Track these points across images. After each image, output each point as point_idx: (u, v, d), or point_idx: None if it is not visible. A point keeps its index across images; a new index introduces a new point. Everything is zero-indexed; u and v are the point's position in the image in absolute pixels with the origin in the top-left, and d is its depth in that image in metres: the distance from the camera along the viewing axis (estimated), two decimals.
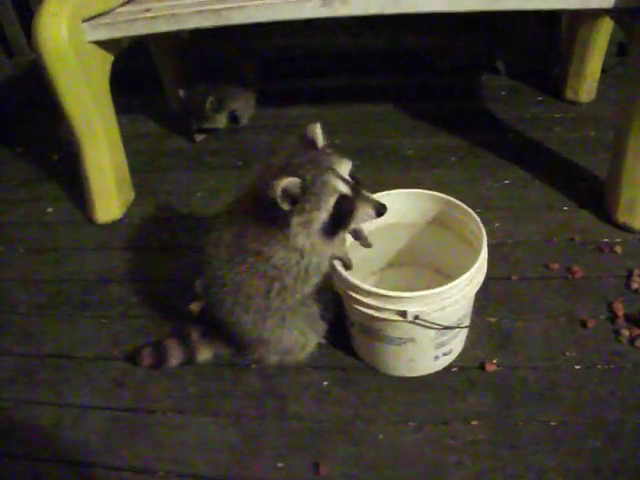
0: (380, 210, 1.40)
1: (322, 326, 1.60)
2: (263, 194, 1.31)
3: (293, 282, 1.44)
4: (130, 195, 2.35)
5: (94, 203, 2.25)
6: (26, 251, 2.21)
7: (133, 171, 2.38)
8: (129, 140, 2.40)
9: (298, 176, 1.31)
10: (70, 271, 2.08)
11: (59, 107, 2.04)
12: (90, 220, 2.28)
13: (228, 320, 1.53)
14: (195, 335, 1.67)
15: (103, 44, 2.04)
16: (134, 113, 2.85)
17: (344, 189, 1.35)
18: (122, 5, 2.11)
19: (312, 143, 1.40)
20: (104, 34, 2.00)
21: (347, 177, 1.37)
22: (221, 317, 1.54)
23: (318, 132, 1.41)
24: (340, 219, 1.37)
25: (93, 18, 1.99)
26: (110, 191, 2.24)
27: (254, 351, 1.61)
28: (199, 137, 2.68)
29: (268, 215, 1.36)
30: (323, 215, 1.35)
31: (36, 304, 1.97)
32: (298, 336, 1.56)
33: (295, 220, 1.34)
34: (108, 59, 2.11)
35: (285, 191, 1.29)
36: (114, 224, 2.26)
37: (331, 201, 1.34)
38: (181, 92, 2.57)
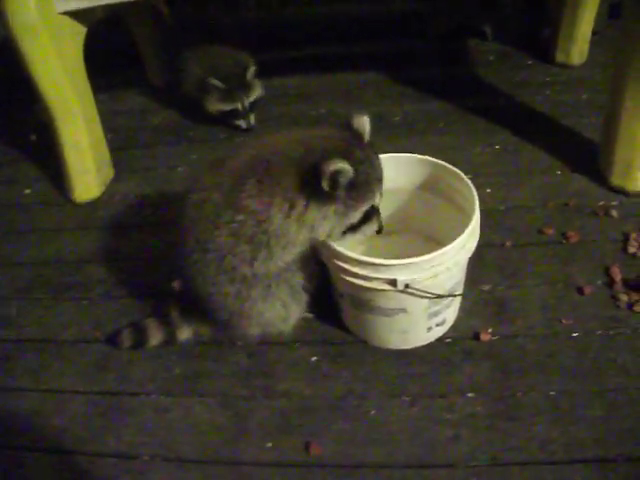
0: (380, 230, 1.47)
1: (303, 297, 1.56)
2: (309, 161, 1.30)
3: (280, 250, 1.38)
4: (109, 173, 2.30)
5: (72, 182, 2.19)
6: (3, 234, 2.16)
7: (113, 148, 2.34)
8: (109, 116, 2.36)
9: (355, 170, 1.29)
10: (49, 253, 2.03)
11: (32, 83, 1.98)
12: (68, 200, 2.22)
13: (209, 291, 1.47)
14: (175, 314, 1.62)
15: (74, 15, 1.97)
16: (113, 90, 2.78)
17: (377, 202, 1.41)
18: None
19: (358, 134, 1.39)
20: (74, 4, 1.92)
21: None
22: (202, 288, 1.48)
23: (367, 126, 1.40)
24: (357, 226, 1.41)
25: None
26: (88, 169, 2.18)
27: (235, 326, 1.55)
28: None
29: (295, 182, 1.32)
30: (357, 216, 1.38)
31: (15, 288, 1.92)
32: (280, 308, 1.51)
33: (333, 208, 1.34)
34: (80, 31, 2.04)
35: (336, 173, 1.26)
36: (93, 203, 2.21)
37: (366, 207, 1.38)
38: (214, 81, 2.35)
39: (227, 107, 2.38)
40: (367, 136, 1.40)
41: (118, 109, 2.70)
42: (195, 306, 1.55)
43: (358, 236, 1.44)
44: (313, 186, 1.29)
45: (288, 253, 1.40)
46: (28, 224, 2.18)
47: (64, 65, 1.98)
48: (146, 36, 2.71)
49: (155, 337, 1.62)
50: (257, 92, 2.41)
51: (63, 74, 1.99)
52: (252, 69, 2.36)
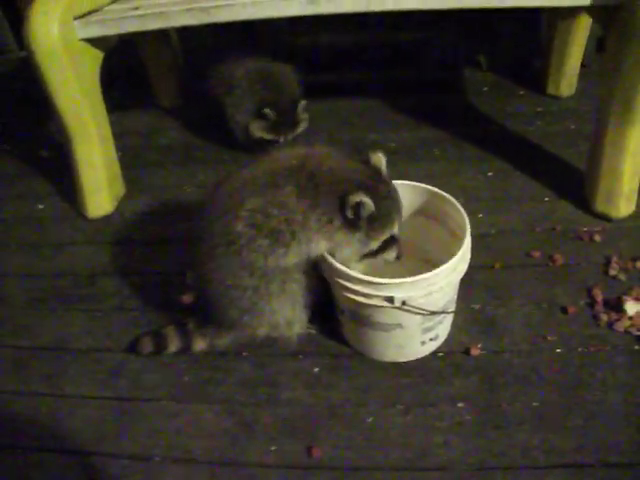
0: (399, 257, 1.57)
1: (308, 303, 1.63)
2: (343, 190, 1.42)
3: (294, 253, 1.49)
4: (121, 190, 2.38)
5: (85, 198, 2.27)
6: (18, 247, 2.23)
7: (123, 166, 2.40)
8: (119, 136, 2.41)
9: (377, 203, 1.42)
10: (63, 265, 2.10)
11: (51, 104, 2.06)
12: (81, 215, 2.30)
13: (228, 284, 1.54)
14: (191, 325, 1.70)
15: (93, 41, 2.07)
16: (123, 109, 2.85)
17: (397, 231, 1.52)
18: (111, 3, 2.14)
19: (377, 170, 1.51)
20: (95, 32, 2.03)
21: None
22: (220, 282, 1.54)
23: (384, 162, 1.52)
24: (377, 252, 1.53)
25: (84, 16, 2.01)
26: (101, 186, 2.26)
27: (244, 325, 1.62)
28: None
29: (335, 202, 1.44)
30: (376, 245, 1.51)
31: (30, 298, 1.99)
32: (289, 309, 1.59)
33: (357, 236, 1.47)
34: (98, 56, 2.14)
35: (357, 205, 1.41)
36: (105, 219, 2.28)
37: (385, 236, 1.50)
38: (269, 111, 2.34)
39: (270, 137, 2.39)
40: (384, 170, 1.52)
41: (127, 129, 2.76)
42: (209, 316, 1.63)
43: (378, 261, 1.55)
44: (344, 212, 1.42)
45: (299, 256, 1.50)
46: (41, 238, 2.24)
47: (82, 87, 2.06)
48: (156, 60, 2.80)
49: (174, 344, 1.69)
50: (302, 126, 2.43)
51: (81, 96, 2.07)
52: (303, 103, 2.39)
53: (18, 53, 3.12)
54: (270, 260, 1.48)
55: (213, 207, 1.55)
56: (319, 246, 1.48)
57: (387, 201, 1.48)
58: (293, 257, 1.49)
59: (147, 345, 1.71)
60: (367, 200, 1.40)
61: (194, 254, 1.61)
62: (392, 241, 1.53)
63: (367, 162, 1.51)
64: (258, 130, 2.39)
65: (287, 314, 1.60)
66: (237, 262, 1.49)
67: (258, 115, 2.35)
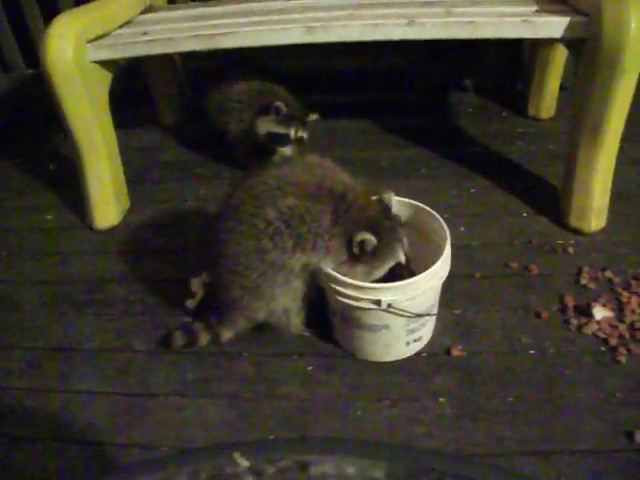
0: (412, 273, 1.66)
1: (306, 303, 1.75)
2: (345, 224, 1.58)
3: (301, 262, 1.62)
4: (126, 203, 2.48)
5: (93, 210, 2.36)
6: (29, 255, 2.32)
7: (128, 181, 2.50)
8: (123, 152, 2.49)
9: (380, 238, 1.57)
10: (72, 273, 2.20)
11: (63, 121, 2.17)
12: (89, 226, 2.40)
13: (239, 262, 1.63)
14: (213, 320, 1.82)
15: (104, 63, 2.19)
16: (128, 127, 2.93)
17: (402, 259, 1.66)
18: (120, 27, 2.28)
19: (386, 207, 1.67)
20: (106, 55, 2.15)
21: (407, 248, 1.67)
22: (231, 259, 1.64)
23: (392, 200, 1.70)
24: (388, 277, 1.65)
25: (95, 39, 2.14)
26: (108, 199, 2.36)
27: (244, 307, 1.72)
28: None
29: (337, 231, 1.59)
30: (379, 273, 1.65)
31: (40, 303, 2.08)
32: (290, 298, 1.70)
33: (359, 267, 1.62)
34: (108, 77, 2.25)
35: (361, 242, 1.56)
36: (112, 230, 2.38)
37: (389, 265, 1.65)
38: (280, 103, 2.37)
39: (280, 130, 2.38)
40: (392, 207, 1.69)
41: (130, 145, 2.85)
42: (224, 308, 1.76)
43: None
44: (351, 248, 1.59)
45: (310, 264, 1.62)
46: (51, 247, 2.34)
47: (93, 106, 2.17)
48: (160, 81, 2.93)
49: (204, 337, 1.81)
50: (307, 133, 2.46)
51: (91, 114, 2.18)
52: (314, 116, 2.46)
53: (25, 71, 3.22)
54: (285, 258, 1.60)
55: (243, 191, 1.66)
56: (326, 264, 1.61)
57: (390, 235, 1.62)
58: (305, 263, 1.62)
59: (179, 339, 1.82)
60: (370, 237, 1.56)
61: (212, 230, 1.71)
62: (398, 268, 1.66)
63: (381, 200, 1.67)
64: (267, 124, 2.39)
65: (286, 304, 1.71)
66: (253, 246, 1.60)
67: (265, 113, 2.38)
